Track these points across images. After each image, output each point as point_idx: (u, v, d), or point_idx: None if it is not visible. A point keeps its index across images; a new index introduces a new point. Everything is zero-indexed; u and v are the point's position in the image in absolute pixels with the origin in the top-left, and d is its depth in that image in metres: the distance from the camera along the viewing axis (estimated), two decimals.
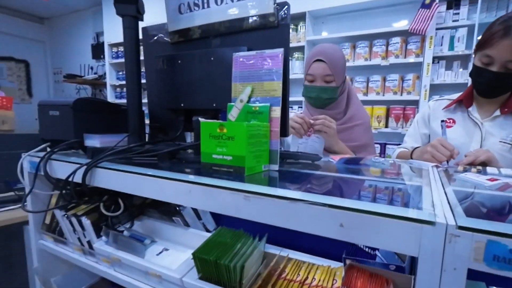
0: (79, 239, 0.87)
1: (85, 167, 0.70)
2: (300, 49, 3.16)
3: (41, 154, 0.84)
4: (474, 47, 1.03)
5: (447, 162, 0.94)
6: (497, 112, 1.02)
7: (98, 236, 0.84)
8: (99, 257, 0.84)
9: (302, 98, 3.19)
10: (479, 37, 0.99)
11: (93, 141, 0.80)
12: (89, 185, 0.72)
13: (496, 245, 0.33)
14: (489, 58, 0.93)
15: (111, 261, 0.80)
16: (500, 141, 1.00)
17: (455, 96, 1.15)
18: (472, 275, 0.35)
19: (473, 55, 1.02)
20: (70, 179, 0.72)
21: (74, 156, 0.85)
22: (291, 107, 3.34)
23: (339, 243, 0.46)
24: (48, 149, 0.85)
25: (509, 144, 0.99)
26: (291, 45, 3.14)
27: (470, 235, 0.34)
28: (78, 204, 0.87)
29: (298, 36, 3.15)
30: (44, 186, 0.91)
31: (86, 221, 0.83)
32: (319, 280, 0.64)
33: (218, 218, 0.95)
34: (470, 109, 1.08)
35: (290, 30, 3.14)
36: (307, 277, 0.65)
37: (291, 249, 0.77)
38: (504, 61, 0.90)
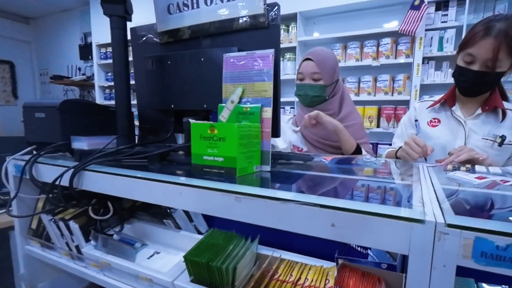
0: (67, 243, 0.85)
1: (72, 170, 0.68)
2: (292, 49, 3.17)
3: (27, 157, 0.82)
4: (457, 47, 1.05)
5: (425, 159, 0.95)
6: (479, 110, 1.06)
7: (87, 240, 0.83)
8: (88, 261, 0.82)
9: (294, 99, 3.20)
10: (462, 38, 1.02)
11: (81, 143, 0.78)
12: (76, 189, 0.70)
13: (484, 242, 0.34)
14: (471, 57, 0.96)
15: (100, 265, 0.78)
16: (483, 138, 1.03)
17: (439, 97, 1.18)
18: (462, 271, 0.36)
19: (456, 56, 1.05)
20: (57, 183, 0.70)
21: (61, 159, 0.83)
22: (283, 108, 3.34)
23: (332, 243, 0.46)
24: (34, 152, 0.83)
25: (491, 140, 1.02)
26: (282, 45, 3.15)
27: (459, 232, 0.35)
28: (65, 208, 0.85)
29: (290, 37, 3.16)
30: (30, 190, 0.89)
31: (74, 225, 0.81)
32: (312, 281, 0.64)
33: (210, 220, 0.94)
34: (453, 108, 1.11)
35: (282, 31, 3.15)
36: (299, 278, 0.65)
37: (284, 249, 0.77)
38: (484, 59, 0.93)
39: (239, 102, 0.70)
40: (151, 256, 0.84)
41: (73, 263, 0.86)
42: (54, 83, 4.75)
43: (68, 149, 0.83)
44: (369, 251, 0.67)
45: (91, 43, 4.42)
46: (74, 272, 0.85)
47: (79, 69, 4.99)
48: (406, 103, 2.79)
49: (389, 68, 2.86)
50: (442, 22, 2.59)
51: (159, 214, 0.90)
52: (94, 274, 0.80)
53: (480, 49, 0.93)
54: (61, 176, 0.70)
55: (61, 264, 0.88)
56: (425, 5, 2.48)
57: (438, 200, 0.45)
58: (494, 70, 0.93)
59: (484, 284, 0.55)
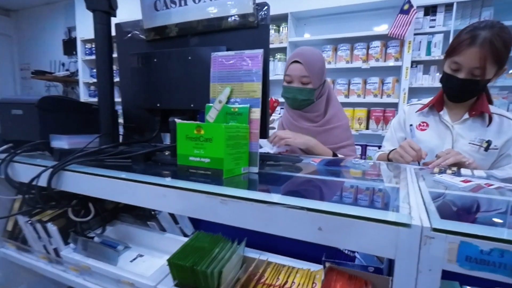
0: (44, 246, 0.82)
1: (51, 169, 0.65)
2: (282, 50, 3.17)
3: (3, 155, 0.77)
4: (444, 53, 1.07)
5: (418, 163, 0.97)
6: (466, 115, 1.08)
7: (66, 243, 0.79)
8: (67, 265, 0.78)
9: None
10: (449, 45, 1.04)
11: (61, 142, 0.74)
12: (55, 189, 0.67)
13: (468, 246, 0.34)
14: (457, 64, 0.98)
15: (79, 269, 0.75)
16: (470, 143, 1.05)
17: (428, 100, 1.20)
18: (447, 275, 0.36)
19: (443, 62, 1.06)
20: (34, 183, 0.67)
21: (40, 158, 0.79)
22: None
23: (320, 245, 0.46)
24: (11, 151, 0.79)
25: (477, 145, 1.04)
26: (273, 46, 3.15)
27: (444, 236, 0.35)
28: (43, 209, 0.81)
29: (281, 37, 3.17)
30: (6, 190, 0.85)
31: (52, 228, 0.77)
32: (299, 284, 0.63)
33: (196, 222, 0.92)
34: (441, 113, 1.13)
35: (272, 31, 3.15)
36: (286, 281, 0.64)
37: (272, 252, 0.76)
38: (470, 67, 0.95)
39: (227, 102, 0.69)
40: (134, 259, 0.81)
41: (51, 267, 0.82)
42: (36, 78, 4.58)
43: (47, 148, 0.79)
44: (356, 254, 0.67)
45: (75, 38, 4.29)
46: (52, 276, 0.82)
47: (63, 64, 4.83)
48: (395, 105, 2.84)
49: (379, 71, 2.91)
50: (430, 27, 2.64)
51: (143, 216, 0.88)
52: (73, 278, 0.77)
53: (466, 58, 0.95)
54: (38, 176, 0.66)
55: (38, 268, 0.84)
56: (414, 9, 2.54)
57: (424, 204, 0.45)
58: (483, 78, 0.95)
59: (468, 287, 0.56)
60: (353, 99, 2.95)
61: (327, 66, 2.94)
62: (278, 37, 3.18)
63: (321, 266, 0.68)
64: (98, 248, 0.76)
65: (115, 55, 0.84)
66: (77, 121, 0.87)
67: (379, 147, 1.39)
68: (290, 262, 0.72)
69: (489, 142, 1.03)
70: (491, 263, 0.33)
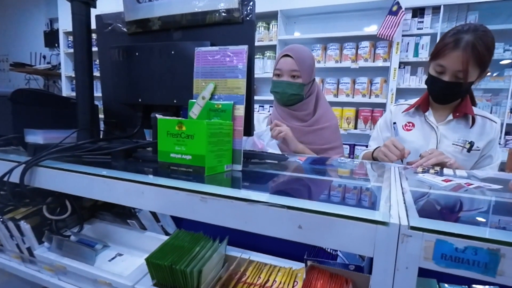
0: (17, 245, 0.78)
1: (23, 165, 0.62)
2: (272, 48, 3.17)
3: None
4: (429, 56, 1.09)
5: (401, 161, 0.99)
6: (450, 117, 1.11)
7: (40, 242, 0.76)
8: (41, 265, 0.75)
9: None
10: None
11: (35, 137, 0.71)
12: (29, 186, 0.64)
13: (444, 244, 0.34)
14: (441, 67, 1.00)
15: (54, 269, 0.72)
16: (453, 144, 1.08)
17: (414, 101, 1.22)
18: (425, 272, 0.36)
19: (429, 64, 1.08)
20: (5, 179, 0.64)
21: (14, 153, 0.75)
22: (263, 106, 3.33)
23: (302, 244, 0.45)
24: None
25: (460, 146, 1.07)
26: (262, 43, 3.14)
27: (421, 235, 0.35)
28: (16, 207, 0.77)
29: (270, 35, 3.16)
30: None
31: (25, 226, 0.74)
32: (280, 283, 0.63)
33: (178, 220, 0.90)
34: (426, 113, 1.15)
35: (262, 29, 3.14)
36: (268, 280, 0.64)
37: (254, 250, 0.76)
38: (454, 70, 0.97)
39: (211, 98, 0.68)
40: (112, 258, 0.79)
41: (24, 267, 0.79)
42: (15, 71, 4.40)
43: (21, 143, 0.76)
44: (339, 252, 0.68)
45: (57, 30, 4.14)
46: (26, 277, 0.78)
47: (44, 57, 4.66)
48: (383, 106, 2.89)
49: (367, 71, 2.94)
50: (418, 29, 2.69)
51: (123, 214, 0.85)
52: (47, 279, 0.74)
53: (450, 61, 0.96)
54: (10, 172, 0.63)
55: (11, 268, 0.80)
56: (402, 11, 2.58)
57: (404, 202, 0.46)
58: (466, 81, 0.97)
59: (445, 285, 0.57)
60: (342, 98, 2.98)
61: (317, 65, 2.96)
62: (267, 35, 3.17)
63: (303, 265, 0.68)
64: (74, 247, 0.73)
65: (95, 48, 0.81)
66: (54, 115, 0.84)
67: (367, 146, 1.41)
68: (272, 260, 0.72)
69: (471, 143, 1.06)
70: (465, 260, 0.34)
